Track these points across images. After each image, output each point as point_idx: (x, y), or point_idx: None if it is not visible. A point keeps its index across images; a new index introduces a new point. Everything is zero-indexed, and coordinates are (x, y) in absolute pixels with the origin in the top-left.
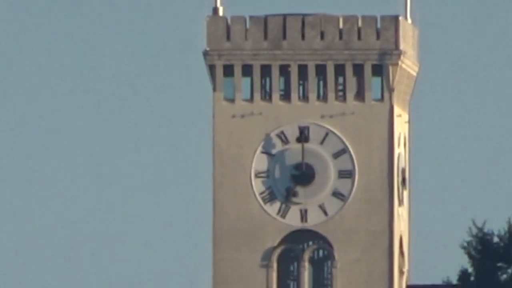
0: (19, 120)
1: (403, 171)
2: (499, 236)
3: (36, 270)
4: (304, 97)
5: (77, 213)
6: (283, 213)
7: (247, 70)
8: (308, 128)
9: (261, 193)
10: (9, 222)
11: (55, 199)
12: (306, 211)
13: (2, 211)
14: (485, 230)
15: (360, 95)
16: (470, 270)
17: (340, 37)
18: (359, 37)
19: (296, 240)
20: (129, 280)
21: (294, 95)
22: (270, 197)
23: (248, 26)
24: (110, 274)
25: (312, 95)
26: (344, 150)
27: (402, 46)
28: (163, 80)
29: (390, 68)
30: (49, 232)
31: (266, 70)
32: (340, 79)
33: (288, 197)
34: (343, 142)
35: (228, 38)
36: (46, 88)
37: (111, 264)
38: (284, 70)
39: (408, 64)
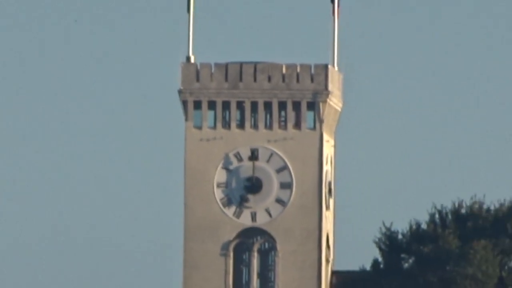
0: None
1: (330, 183)
2: (402, 234)
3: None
4: (255, 126)
5: (69, 214)
6: (237, 214)
7: (211, 105)
8: (257, 149)
9: (221, 199)
10: None
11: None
12: (255, 213)
13: None
14: (392, 229)
15: (297, 125)
16: (380, 259)
17: (283, 80)
18: (297, 80)
19: (248, 236)
20: (114, 267)
21: (247, 124)
22: (228, 202)
23: (213, 70)
24: (101, 266)
25: (261, 125)
26: (285, 167)
27: (330, 88)
28: (146, 112)
29: (321, 104)
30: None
31: (226, 105)
32: (283, 113)
33: (242, 202)
34: (284, 161)
35: (197, 79)
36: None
37: (105, 258)
38: (240, 105)
39: (335, 101)
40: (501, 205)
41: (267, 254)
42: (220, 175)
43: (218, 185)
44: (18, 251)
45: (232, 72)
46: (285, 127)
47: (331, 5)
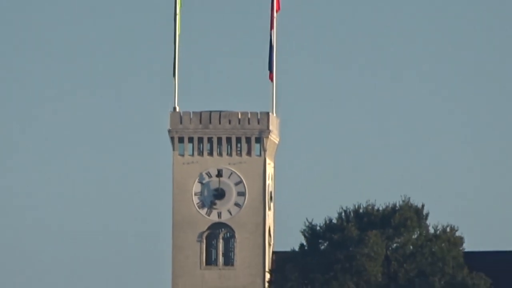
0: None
1: (271, 192)
2: (320, 226)
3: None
4: (220, 154)
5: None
6: (208, 213)
7: (190, 140)
8: (222, 170)
9: (197, 203)
10: None
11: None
12: (220, 212)
13: None
14: (313, 223)
15: (249, 153)
16: (305, 244)
17: (239, 123)
18: (248, 123)
19: (215, 228)
20: (120, 252)
21: (215, 153)
22: (202, 205)
23: (191, 116)
24: (108, 250)
25: (224, 153)
26: (240, 181)
27: (270, 128)
28: (146, 145)
29: (264, 139)
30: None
31: (200, 140)
32: (239, 145)
33: (211, 205)
34: (240, 177)
35: (181, 123)
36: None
37: (112, 245)
38: (210, 140)
39: (274, 137)
40: (387, 206)
41: (229, 241)
42: (196, 187)
43: (195, 194)
44: (17, 247)
45: (204, 118)
46: (240, 155)
47: (268, 72)
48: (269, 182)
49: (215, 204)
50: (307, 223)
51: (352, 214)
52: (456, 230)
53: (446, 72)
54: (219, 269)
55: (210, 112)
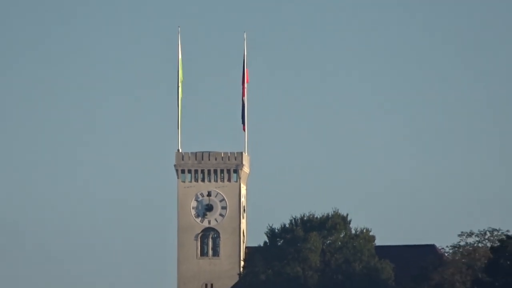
0: None
1: (244, 207)
2: (277, 229)
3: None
4: (209, 180)
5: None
6: (202, 221)
7: (189, 171)
8: (211, 191)
9: (194, 214)
10: None
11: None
12: (210, 220)
13: None
14: (273, 227)
15: (229, 180)
16: (268, 241)
17: (222, 159)
18: (228, 159)
19: (207, 231)
20: (135, 250)
21: (206, 179)
22: (197, 215)
23: (190, 155)
24: (122, 247)
25: (212, 179)
26: (223, 199)
27: (244, 163)
28: (159, 176)
29: (240, 170)
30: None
31: (196, 171)
32: (222, 174)
33: (204, 215)
34: (223, 196)
35: (182, 159)
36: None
37: (127, 246)
38: (203, 171)
39: (246, 169)
40: (323, 215)
41: (216, 239)
42: (193, 203)
43: (193, 208)
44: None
45: (199, 156)
46: (223, 181)
47: (242, 125)
48: (243, 199)
49: (206, 214)
50: (269, 227)
51: (299, 220)
52: (370, 231)
53: (369, 96)
54: (209, 259)
55: (203, 152)
